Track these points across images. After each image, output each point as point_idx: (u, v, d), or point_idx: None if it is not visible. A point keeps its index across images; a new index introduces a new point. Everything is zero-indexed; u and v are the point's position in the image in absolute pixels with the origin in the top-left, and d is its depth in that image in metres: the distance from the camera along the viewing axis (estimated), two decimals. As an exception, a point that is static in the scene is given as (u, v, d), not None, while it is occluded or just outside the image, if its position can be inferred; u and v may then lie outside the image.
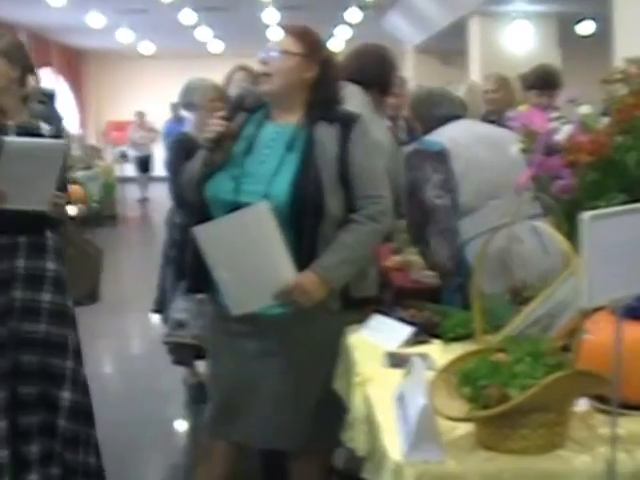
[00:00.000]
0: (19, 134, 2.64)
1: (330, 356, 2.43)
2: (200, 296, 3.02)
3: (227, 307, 2.42)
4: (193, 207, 2.53)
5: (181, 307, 3.29)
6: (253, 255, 2.34)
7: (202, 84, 3.85)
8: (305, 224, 2.34)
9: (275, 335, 2.42)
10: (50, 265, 2.71)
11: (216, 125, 2.39)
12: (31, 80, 2.82)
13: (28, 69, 2.74)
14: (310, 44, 2.43)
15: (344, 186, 2.39)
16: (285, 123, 2.44)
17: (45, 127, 2.76)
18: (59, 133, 2.80)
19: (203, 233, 2.36)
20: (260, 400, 2.44)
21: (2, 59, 2.62)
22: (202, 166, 2.42)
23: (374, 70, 3.07)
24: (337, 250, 2.37)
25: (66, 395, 2.71)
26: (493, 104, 4.73)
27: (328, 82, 2.46)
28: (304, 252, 2.35)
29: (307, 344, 2.43)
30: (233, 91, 3.78)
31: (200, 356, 3.15)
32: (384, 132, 3.12)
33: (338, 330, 2.46)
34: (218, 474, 2.60)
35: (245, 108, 2.52)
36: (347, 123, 2.43)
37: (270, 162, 2.39)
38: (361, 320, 2.52)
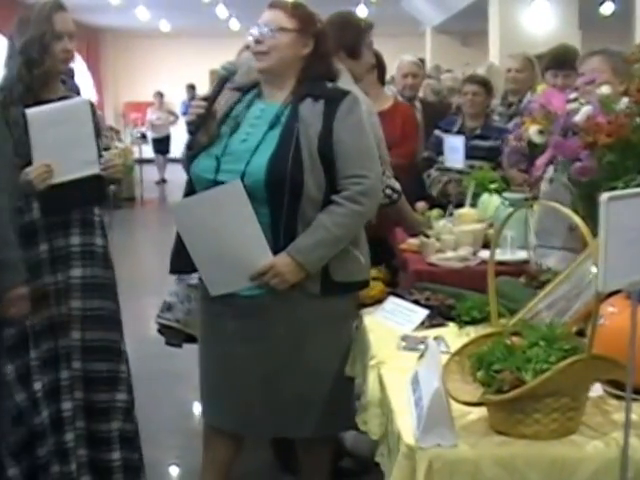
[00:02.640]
0: None
1: (314, 341, 2.39)
2: (193, 281, 3.01)
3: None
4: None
5: (172, 290, 3.32)
6: (228, 235, 2.31)
7: (245, 62, 3.75)
8: (282, 203, 2.29)
9: (255, 317, 2.38)
10: (98, 241, 2.72)
11: (197, 107, 2.38)
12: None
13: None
14: (303, 19, 2.39)
15: (325, 165, 2.32)
16: (272, 101, 2.42)
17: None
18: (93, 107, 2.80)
19: (178, 209, 2.35)
20: (244, 384, 2.41)
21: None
22: (185, 148, 2.44)
23: (335, 34, 3.03)
24: (313, 232, 2.30)
25: (124, 368, 2.76)
26: (515, 83, 4.67)
27: (322, 57, 2.43)
28: (283, 233, 2.31)
29: (286, 328, 2.38)
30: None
31: (191, 339, 3.17)
32: (362, 102, 3.10)
33: (320, 315, 2.39)
34: (224, 461, 2.58)
35: (238, 88, 2.50)
36: (333, 100, 2.37)
37: (251, 140, 2.36)
38: (351, 306, 2.49)
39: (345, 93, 2.40)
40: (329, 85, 2.45)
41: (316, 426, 2.45)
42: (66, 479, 2.67)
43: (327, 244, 2.32)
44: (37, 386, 2.61)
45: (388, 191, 2.95)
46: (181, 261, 2.48)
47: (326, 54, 2.46)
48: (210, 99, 2.40)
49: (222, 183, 2.31)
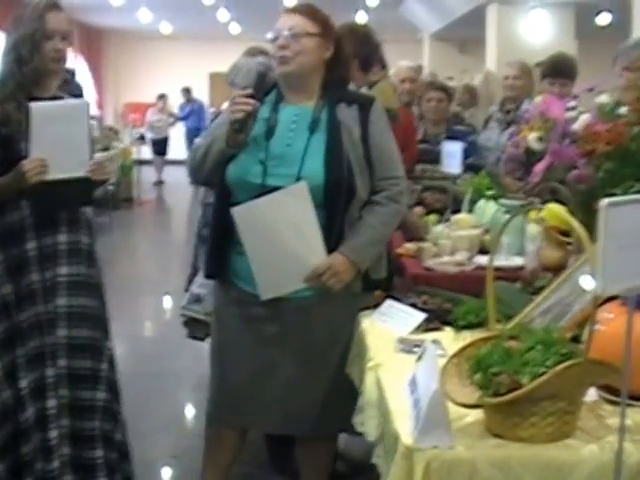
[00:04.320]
0: None
1: (347, 338, 2.45)
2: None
3: (248, 292, 2.41)
4: (218, 189, 2.50)
5: (201, 281, 3.30)
6: (287, 237, 2.34)
7: (247, 64, 3.78)
8: (338, 206, 2.36)
9: (296, 318, 2.42)
10: (84, 239, 2.73)
11: (244, 104, 2.34)
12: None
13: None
14: (324, 23, 2.42)
15: (369, 167, 2.41)
16: (303, 105, 2.43)
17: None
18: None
19: (241, 214, 2.34)
20: (275, 384, 2.44)
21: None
22: (225, 147, 2.38)
23: (352, 45, 3.08)
24: (363, 231, 2.40)
25: (104, 367, 2.77)
26: (512, 90, 4.70)
27: (342, 61, 2.47)
28: (334, 234, 2.37)
29: (328, 326, 2.44)
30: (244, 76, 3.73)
31: None
32: None
33: (354, 311, 2.49)
34: (227, 460, 2.60)
35: (265, 91, 2.47)
36: (364, 105, 2.44)
37: (296, 144, 2.38)
38: (372, 302, 2.55)
39: (372, 98, 2.50)
40: (352, 90, 2.53)
41: (322, 422, 2.49)
42: (48, 477, 2.67)
43: (376, 242, 2.45)
44: (23, 384, 2.61)
45: None
46: (217, 265, 2.50)
47: (346, 58, 2.52)
48: (256, 96, 2.36)
49: (272, 187, 2.33)
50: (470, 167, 4.15)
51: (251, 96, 2.36)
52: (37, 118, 2.52)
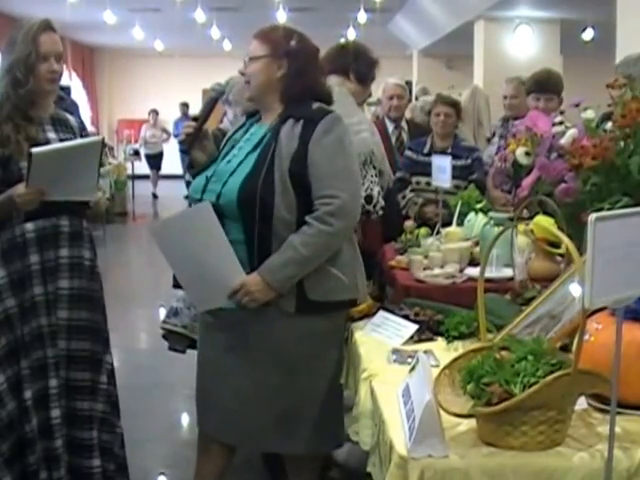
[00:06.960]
0: (54, 124, 2.72)
1: (295, 360, 2.42)
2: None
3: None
4: None
5: (179, 295, 3.36)
6: (203, 255, 2.36)
7: (239, 81, 3.82)
8: (254, 223, 2.33)
9: (236, 330, 2.44)
10: (86, 254, 2.77)
11: (187, 127, 2.51)
12: None
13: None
14: (273, 43, 2.44)
15: (297, 186, 2.33)
16: (263, 124, 2.50)
17: (72, 118, 2.84)
18: (83, 124, 2.89)
19: (155, 230, 2.43)
20: (225, 393, 2.47)
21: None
22: (187, 167, 2.55)
23: (343, 59, 3.13)
24: (282, 252, 2.33)
25: (103, 379, 2.81)
26: (512, 110, 4.71)
27: (296, 75, 2.43)
28: (257, 251, 2.35)
29: (265, 343, 2.42)
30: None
31: (196, 346, 3.22)
32: (364, 122, 3.17)
33: (298, 334, 2.41)
34: (215, 471, 2.61)
35: (250, 113, 2.60)
36: (311, 120, 2.37)
37: (234, 161, 2.45)
38: (332, 326, 2.47)
39: (326, 113, 2.40)
40: (315, 105, 2.44)
41: (303, 443, 2.49)
42: None
43: (295, 263, 2.33)
44: (27, 394, 2.64)
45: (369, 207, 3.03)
46: None
47: (300, 72, 2.44)
48: (200, 119, 2.50)
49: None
50: (473, 182, 4.16)
51: (195, 119, 2.52)
52: (39, 162, 2.49)
